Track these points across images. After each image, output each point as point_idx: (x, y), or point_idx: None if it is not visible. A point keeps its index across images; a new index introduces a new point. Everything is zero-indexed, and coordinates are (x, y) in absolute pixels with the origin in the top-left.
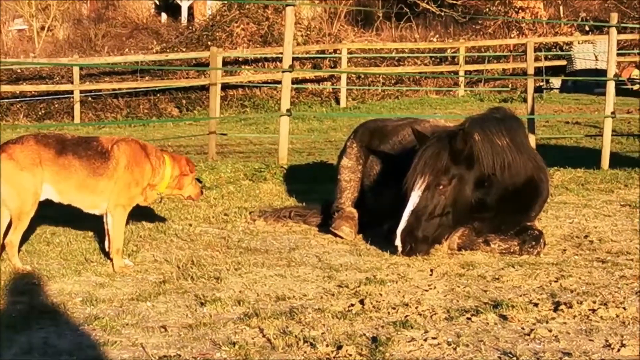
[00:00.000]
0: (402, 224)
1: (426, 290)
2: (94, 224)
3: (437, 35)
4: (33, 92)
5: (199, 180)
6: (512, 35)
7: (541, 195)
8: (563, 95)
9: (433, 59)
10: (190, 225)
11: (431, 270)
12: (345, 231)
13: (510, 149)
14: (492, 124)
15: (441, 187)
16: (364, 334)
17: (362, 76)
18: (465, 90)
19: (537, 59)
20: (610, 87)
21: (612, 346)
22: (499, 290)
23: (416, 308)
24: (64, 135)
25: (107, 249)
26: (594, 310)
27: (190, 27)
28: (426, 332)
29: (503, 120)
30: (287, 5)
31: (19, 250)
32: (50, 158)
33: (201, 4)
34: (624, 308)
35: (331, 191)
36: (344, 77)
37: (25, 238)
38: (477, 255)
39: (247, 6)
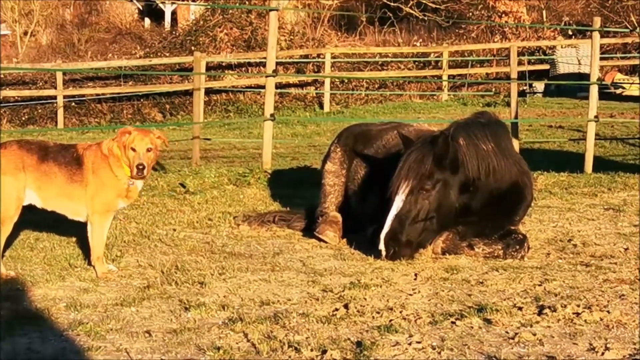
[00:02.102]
0: (386, 228)
1: (410, 295)
2: (78, 229)
3: (421, 40)
4: (16, 98)
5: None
6: (496, 40)
7: (525, 199)
8: (546, 99)
9: (416, 63)
10: (174, 230)
11: (415, 275)
12: (330, 235)
13: (495, 154)
14: (477, 128)
15: (425, 191)
16: (349, 339)
17: (346, 81)
18: (448, 95)
19: (520, 63)
20: (594, 91)
21: (596, 350)
22: (483, 294)
23: (400, 312)
24: (46, 142)
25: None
26: (578, 314)
27: (174, 32)
28: (410, 336)
29: (488, 125)
30: (270, 10)
31: (3, 256)
32: (32, 164)
33: (184, 8)
34: (608, 312)
35: (315, 196)
36: (327, 81)
37: (9, 243)
38: (461, 259)
39: (230, 11)
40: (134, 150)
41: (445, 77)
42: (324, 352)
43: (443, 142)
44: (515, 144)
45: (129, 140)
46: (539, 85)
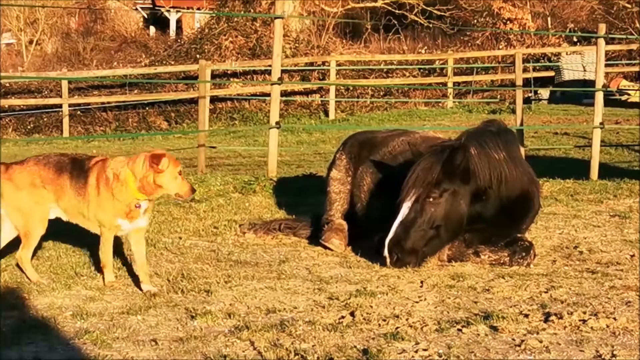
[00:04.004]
0: (390, 235)
1: (416, 302)
2: (84, 238)
3: (426, 47)
4: (22, 106)
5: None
6: (501, 47)
7: (534, 208)
8: (552, 106)
9: (421, 70)
10: (180, 238)
11: (421, 282)
12: (335, 243)
13: (507, 163)
14: (489, 137)
15: (431, 199)
16: (355, 346)
17: (351, 88)
18: (453, 102)
19: (525, 70)
20: (599, 97)
21: (602, 357)
22: (489, 302)
23: (407, 320)
24: (65, 155)
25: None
26: (584, 321)
27: (179, 40)
28: (417, 343)
29: (499, 134)
30: (275, 18)
31: (8, 265)
32: (49, 178)
33: (189, 17)
34: (614, 318)
35: (321, 203)
36: (332, 89)
37: (15, 252)
38: (467, 266)
39: (235, 19)
40: (180, 174)
41: (450, 84)
42: (330, 359)
43: (455, 153)
44: (521, 151)
45: (177, 164)
46: (544, 92)
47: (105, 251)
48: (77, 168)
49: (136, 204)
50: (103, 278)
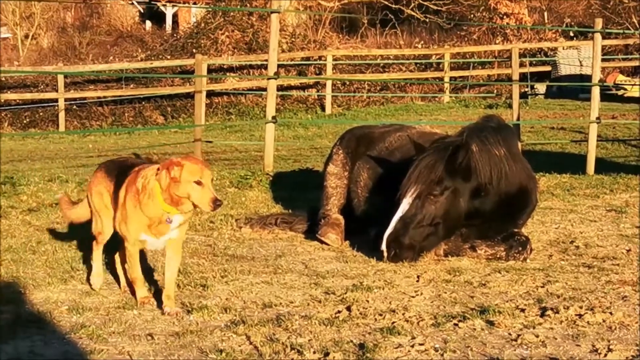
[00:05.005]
0: (389, 230)
1: (413, 297)
2: (80, 233)
3: (422, 42)
4: (17, 101)
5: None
6: (497, 41)
7: (531, 203)
8: (548, 101)
9: (418, 65)
10: None
11: (418, 277)
12: (332, 238)
13: (507, 159)
14: (490, 134)
15: (432, 197)
16: (351, 341)
17: (348, 83)
18: (450, 97)
19: (522, 64)
20: (595, 92)
21: (599, 351)
22: (485, 296)
23: (403, 314)
24: (125, 160)
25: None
26: (580, 316)
27: (175, 35)
28: (413, 338)
29: (499, 130)
30: (271, 13)
31: (3, 260)
32: (95, 183)
33: (186, 11)
34: (611, 313)
35: (317, 198)
36: (329, 83)
37: (11, 247)
38: (463, 261)
39: (231, 13)
40: (199, 184)
41: (446, 79)
42: (327, 354)
43: (459, 152)
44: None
45: (194, 172)
46: (541, 87)
47: (132, 266)
48: (120, 174)
49: (167, 218)
50: (133, 293)
